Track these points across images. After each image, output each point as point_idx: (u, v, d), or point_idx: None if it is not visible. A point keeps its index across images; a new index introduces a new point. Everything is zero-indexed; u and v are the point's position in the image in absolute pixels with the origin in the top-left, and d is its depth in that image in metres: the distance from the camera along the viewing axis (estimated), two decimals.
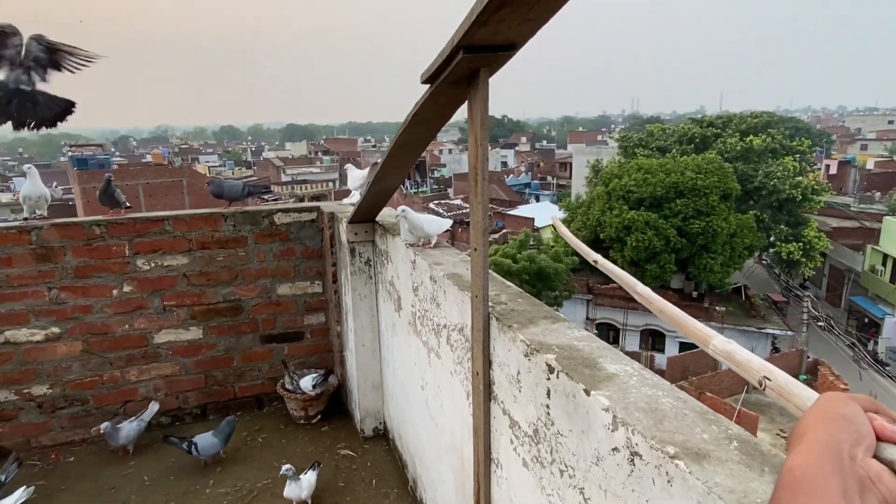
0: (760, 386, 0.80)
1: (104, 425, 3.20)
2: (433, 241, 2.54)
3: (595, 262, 1.60)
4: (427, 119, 1.81)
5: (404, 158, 2.26)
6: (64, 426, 3.43)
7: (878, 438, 0.52)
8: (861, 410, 0.53)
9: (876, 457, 0.50)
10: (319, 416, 3.67)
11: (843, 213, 35.98)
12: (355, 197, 3.37)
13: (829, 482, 0.45)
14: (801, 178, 28.90)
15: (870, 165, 49.24)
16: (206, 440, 3.16)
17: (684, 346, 22.95)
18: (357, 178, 3.39)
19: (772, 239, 28.99)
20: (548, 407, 1.37)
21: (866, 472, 0.48)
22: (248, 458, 3.27)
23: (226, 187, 3.51)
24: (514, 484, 1.61)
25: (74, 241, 3.26)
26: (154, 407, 3.39)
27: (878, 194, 40.81)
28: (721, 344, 0.93)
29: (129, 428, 3.26)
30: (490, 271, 1.84)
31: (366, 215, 3.06)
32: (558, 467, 1.34)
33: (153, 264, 3.42)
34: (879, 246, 28.29)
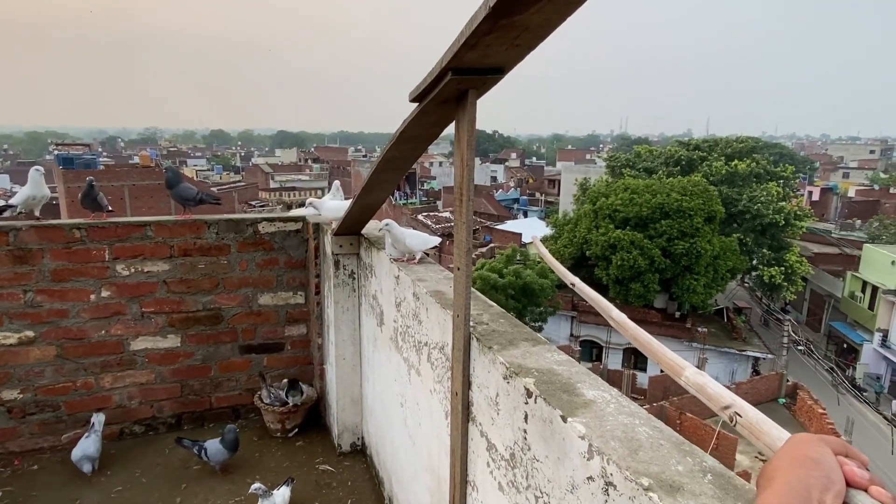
0: (731, 422, 0.80)
1: (64, 437, 3.08)
2: (417, 257, 2.53)
3: (572, 284, 1.60)
4: (414, 137, 1.81)
5: (391, 174, 2.26)
6: (34, 432, 3.34)
7: (848, 484, 0.51)
8: (831, 454, 0.53)
9: (845, 503, 0.50)
10: (296, 430, 3.61)
11: (824, 239, 36.66)
12: (326, 213, 3.18)
13: None
14: (784, 203, 29.41)
15: (851, 193, 50.34)
16: (214, 446, 3.13)
17: None
18: (332, 209, 3.12)
19: (754, 262, 29.38)
20: (525, 431, 1.36)
21: None
22: (222, 473, 3.20)
23: (182, 186, 3.40)
24: None
25: (53, 244, 3.20)
26: (100, 417, 3.25)
27: (858, 222, 41.68)
28: (693, 376, 0.92)
29: (84, 447, 3.11)
30: (473, 290, 1.84)
31: (351, 228, 3.05)
32: (533, 493, 1.33)
33: (133, 270, 3.37)
34: (859, 273, 28.81)
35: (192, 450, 3.16)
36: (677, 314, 26.16)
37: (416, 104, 1.58)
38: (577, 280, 1.63)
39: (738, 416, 0.79)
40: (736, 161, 30.78)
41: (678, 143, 35.84)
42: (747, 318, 28.77)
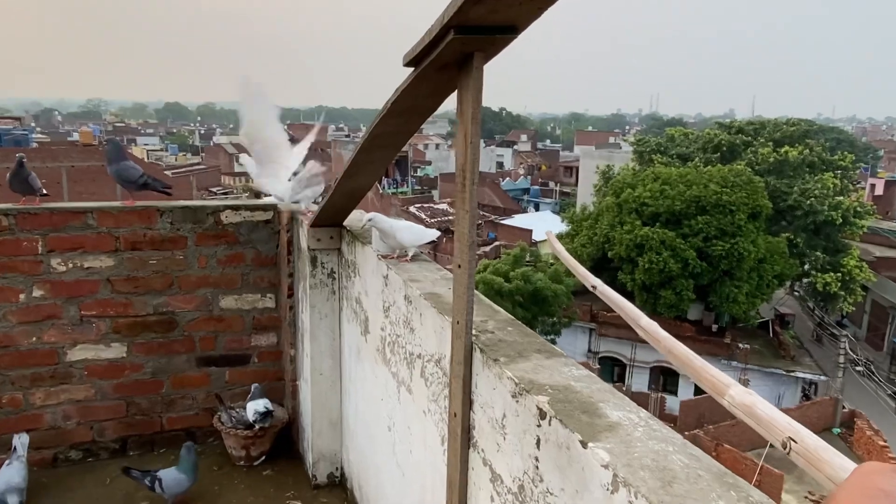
0: (784, 448, 0.80)
1: None
2: (410, 254, 2.53)
3: (594, 287, 1.60)
4: (408, 109, 1.80)
5: (380, 153, 2.26)
6: None
7: None
8: None
9: None
10: (263, 458, 3.61)
11: (889, 240, 36.78)
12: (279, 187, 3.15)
13: None
14: (841, 197, 29.53)
15: None
16: (171, 475, 3.11)
17: (701, 390, 23.14)
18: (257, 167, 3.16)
19: (806, 267, 29.49)
20: (536, 459, 1.36)
21: None
22: None
23: (123, 165, 3.35)
24: None
25: None
26: (23, 439, 3.15)
27: None
28: (739, 395, 0.92)
29: (7, 476, 3.01)
30: (476, 293, 1.83)
31: (332, 218, 3.04)
32: None
33: (71, 265, 3.35)
34: None
35: (143, 482, 3.13)
36: (714, 327, 26.27)
37: (412, 69, 1.57)
38: (598, 282, 1.63)
39: (792, 443, 0.79)
40: (786, 147, 30.90)
41: (718, 126, 35.99)
42: (790, 325, 28.80)
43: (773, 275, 25.12)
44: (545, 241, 29.07)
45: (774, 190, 28.70)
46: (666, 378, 25.52)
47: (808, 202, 28.56)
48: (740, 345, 24.60)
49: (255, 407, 3.48)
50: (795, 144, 31.44)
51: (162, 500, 3.20)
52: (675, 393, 24.26)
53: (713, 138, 33.39)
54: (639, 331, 1.30)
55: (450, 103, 1.70)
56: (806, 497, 16.66)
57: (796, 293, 35.85)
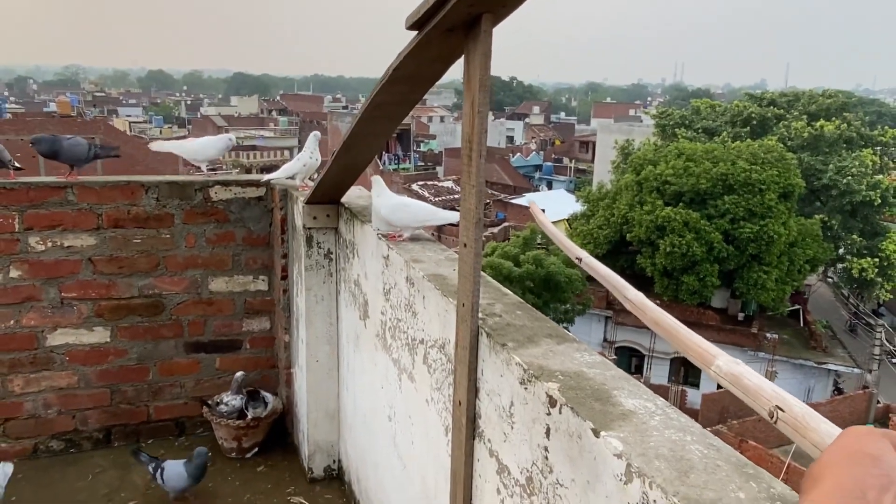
0: (771, 418, 0.84)
1: None
2: (405, 235, 2.53)
3: (579, 259, 1.63)
4: (411, 76, 1.81)
5: (381, 125, 2.26)
6: None
7: None
8: (891, 449, 0.55)
9: None
10: (256, 450, 3.66)
11: None
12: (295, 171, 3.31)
13: None
14: (881, 176, 29.33)
15: None
16: (175, 468, 3.16)
17: None
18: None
19: (841, 251, 29.37)
20: (546, 449, 1.38)
21: None
22: (160, 500, 3.25)
23: (67, 145, 3.34)
24: None
25: None
26: (7, 468, 2.95)
27: None
28: (727, 366, 0.97)
29: None
30: (483, 275, 1.85)
31: (329, 194, 3.05)
32: None
33: (50, 244, 3.38)
34: None
35: (149, 467, 3.20)
36: (741, 316, 26.26)
37: (416, 33, 1.57)
38: (584, 254, 1.66)
39: (779, 411, 0.83)
40: (821, 121, 30.64)
41: (748, 97, 35.66)
42: (807, 295, 28.17)
43: (805, 259, 25.01)
44: (559, 221, 29.05)
45: (808, 168, 28.51)
46: (687, 370, 25.56)
47: (845, 181, 28.36)
48: (768, 335, 24.59)
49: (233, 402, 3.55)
50: (832, 118, 31.16)
51: (146, 498, 3.26)
52: (696, 386, 24.33)
53: (742, 111, 33.13)
54: (625, 303, 1.34)
55: (456, 71, 1.71)
56: None
57: (830, 280, 35.76)
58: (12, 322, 3.40)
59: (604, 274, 1.47)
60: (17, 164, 3.44)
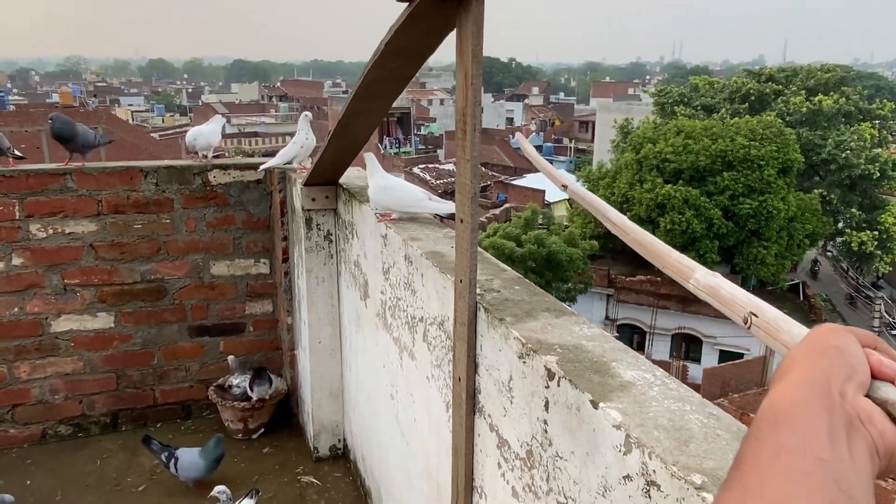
0: (745, 324, 0.87)
1: None
2: (393, 216, 2.48)
3: (564, 186, 1.62)
4: (404, 50, 1.77)
5: (375, 102, 2.22)
6: None
7: (873, 376, 0.56)
8: (856, 343, 0.57)
9: (869, 396, 0.55)
10: (262, 431, 3.66)
11: None
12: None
13: (815, 419, 0.49)
14: (880, 150, 29.14)
15: None
16: (189, 457, 3.15)
17: (725, 356, 23.26)
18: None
19: (840, 225, 29.28)
20: (545, 422, 1.36)
21: (856, 411, 0.52)
22: (170, 482, 3.26)
23: (80, 130, 3.32)
24: None
25: None
26: (7, 499, 2.92)
27: None
28: (704, 277, 1.00)
29: None
30: (481, 251, 1.82)
31: (326, 176, 3.02)
32: (556, 498, 1.34)
33: (51, 231, 3.36)
34: None
35: (160, 456, 3.19)
36: None
37: (406, 4, 1.53)
38: (569, 181, 1.64)
39: (753, 317, 0.85)
40: (820, 96, 30.38)
41: (746, 74, 35.33)
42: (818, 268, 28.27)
43: (805, 234, 24.94)
44: (559, 201, 28.96)
45: (807, 142, 28.33)
46: (689, 345, 25.60)
47: (844, 155, 28.19)
48: None
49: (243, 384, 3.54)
50: (830, 93, 30.90)
51: (156, 483, 3.27)
52: (697, 361, 24.37)
53: (741, 87, 32.84)
54: (608, 224, 1.37)
55: (454, 54, 1.64)
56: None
57: (829, 253, 35.69)
58: (16, 309, 3.39)
59: (588, 199, 1.50)
60: (17, 153, 3.41)
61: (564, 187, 1.62)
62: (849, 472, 0.47)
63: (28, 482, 3.26)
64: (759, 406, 0.52)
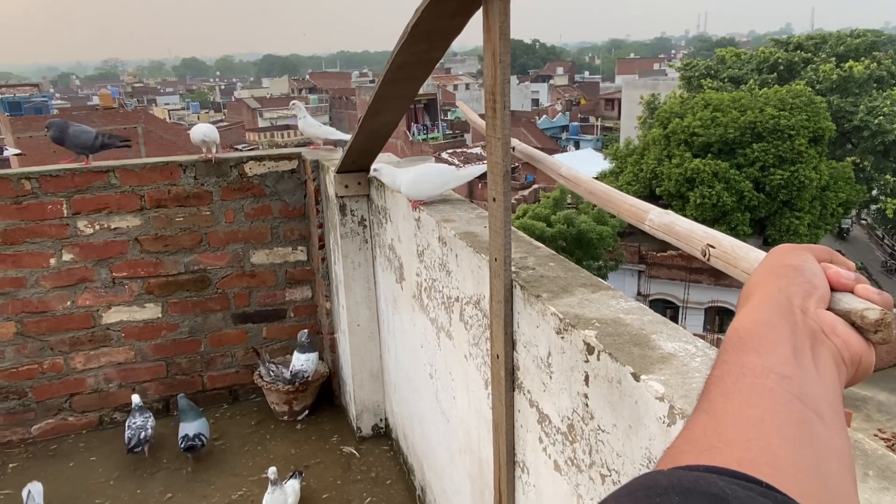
0: (704, 256, 0.86)
1: (35, 428, 3.03)
2: (424, 200, 2.45)
3: (513, 148, 1.62)
4: (431, 32, 1.74)
5: (404, 87, 2.20)
6: None
7: (833, 288, 0.57)
8: (813, 259, 0.58)
9: (831, 308, 0.55)
10: (307, 412, 3.71)
11: None
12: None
13: (778, 338, 0.50)
14: None
15: None
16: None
17: None
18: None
19: (874, 192, 28.43)
20: (586, 396, 1.34)
21: (819, 324, 0.53)
22: (220, 464, 3.32)
23: (72, 132, 3.34)
24: (543, 492, 1.59)
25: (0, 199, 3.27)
26: (37, 487, 2.88)
27: None
28: (658, 217, 0.98)
29: None
30: (514, 229, 1.80)
31: (358, 162, 3.01)
32: (598, 471, 1.32)
33: (98, 227, 3.43)
34: None
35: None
36: None
37: None
38: (516, 141, 1.63)
39: (710, 249, 0.85)
40: (850, 62, 29.38)
41: (774, 43, 34.35)
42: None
43: (838, 203, 24.28)
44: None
45: (838, 110, 27.49)
46: (723, 318, 25.21)
47: (876, 121, 27.29)
48: None
49: (296, 363, 3.56)
50: (861, 58, 29.87)
51: (205, 459, 3.34)
52: None
53: (768, 57, 31.93)
54: (559, 179, 1.35)
55: (479, 38, 1.61)
56: (875, 435, 16.51)
57: (864, 221, 34.71)
58: (69, 303, 3.47)
59: (538, 157, 1.51)
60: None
61: (513, 148, 1.62)
62: (814, 386, 0.47)
63: (93, 459, 3.36)
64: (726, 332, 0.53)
